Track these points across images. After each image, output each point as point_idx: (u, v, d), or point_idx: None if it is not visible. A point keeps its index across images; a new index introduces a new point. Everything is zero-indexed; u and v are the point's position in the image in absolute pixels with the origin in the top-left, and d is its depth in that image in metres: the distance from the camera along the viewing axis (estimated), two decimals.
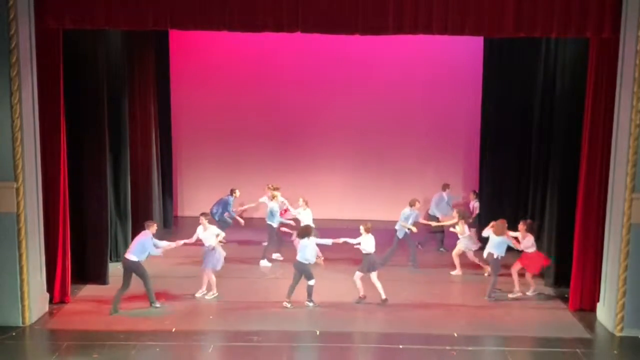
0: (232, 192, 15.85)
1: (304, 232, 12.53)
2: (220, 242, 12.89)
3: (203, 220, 12.81)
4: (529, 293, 13.00)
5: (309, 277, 12.30)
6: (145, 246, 11.96)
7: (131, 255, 11.91)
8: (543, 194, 14.23)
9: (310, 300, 12.33)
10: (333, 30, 11.69)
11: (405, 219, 14.34)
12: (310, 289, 12.32)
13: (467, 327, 11.59)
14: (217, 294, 12.65)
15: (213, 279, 12.67)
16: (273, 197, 14.97)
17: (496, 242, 12.70)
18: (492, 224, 12.96)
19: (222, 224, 15.04)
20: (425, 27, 11.32)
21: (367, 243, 12.47)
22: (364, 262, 12.49)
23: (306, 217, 14.48)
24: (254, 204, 15.89)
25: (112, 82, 13.68)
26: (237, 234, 15.86)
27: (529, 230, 13.01)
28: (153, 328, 11.32)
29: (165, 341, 10.88)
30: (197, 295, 12.65)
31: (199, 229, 12.79)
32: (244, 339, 10.96)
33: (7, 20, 10.62)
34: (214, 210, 15.48)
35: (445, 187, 16.34)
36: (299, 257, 12.31)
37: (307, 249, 12.27)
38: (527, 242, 12.86)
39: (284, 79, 18.00)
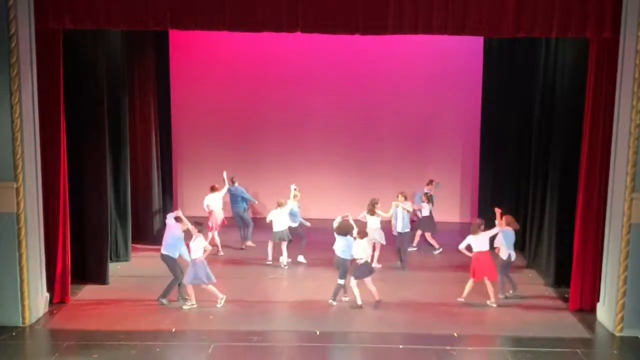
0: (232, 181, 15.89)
1: (344, 229, 12.42)
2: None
3: (194, 229, 12.08)
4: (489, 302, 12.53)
5: (342, 276, 12.29)
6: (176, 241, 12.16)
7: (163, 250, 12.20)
8: (543, 194, 14.22)
9: (334, 299, 12.34)
10: (333, 30, 11.70)
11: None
12: (338, 288, 12.33)
13: (467, 327, 11.59)
14: (195, 304, 12.15)
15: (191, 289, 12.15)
16: (295, 197, 15.00)
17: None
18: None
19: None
20: (425, 27, 11.32)
21: (357, 249, 12.35)
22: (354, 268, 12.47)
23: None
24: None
25: (112, 82, 13.68)
26: (237, 233, 15.96)
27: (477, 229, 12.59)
28: (153, 328, 11.33)
29: (165, 341, 10.88)
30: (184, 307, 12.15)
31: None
32: (244, 339, 10.96)
33: (7, 20, 10.61)
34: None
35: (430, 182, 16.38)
36: (339, 253, 12.31)
37: (348, 246, 12.24)
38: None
39: (284, 78, 17.98)
